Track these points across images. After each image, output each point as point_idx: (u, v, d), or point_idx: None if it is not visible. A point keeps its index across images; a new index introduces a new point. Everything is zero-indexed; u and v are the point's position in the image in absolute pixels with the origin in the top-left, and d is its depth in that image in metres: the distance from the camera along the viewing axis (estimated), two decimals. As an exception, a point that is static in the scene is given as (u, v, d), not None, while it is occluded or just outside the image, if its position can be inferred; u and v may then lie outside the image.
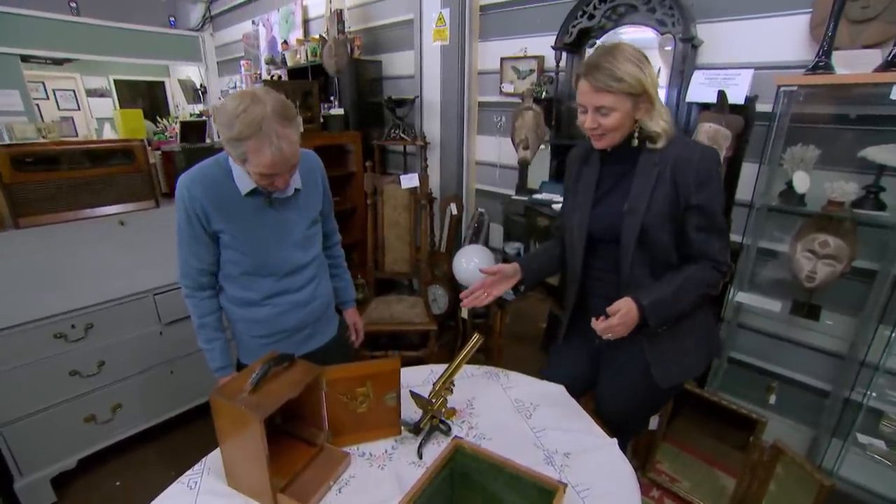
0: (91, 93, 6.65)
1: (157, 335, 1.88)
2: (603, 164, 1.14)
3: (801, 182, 1.45)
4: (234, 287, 1.20)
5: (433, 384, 1.10)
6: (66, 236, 1.75)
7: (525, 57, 2.38)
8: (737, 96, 1.58)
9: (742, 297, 1.68)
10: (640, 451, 1.95)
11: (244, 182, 1.08)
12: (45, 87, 6.34)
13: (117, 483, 1.80)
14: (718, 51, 1.76)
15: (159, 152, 2.13)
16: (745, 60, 1.68)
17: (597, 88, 1.00)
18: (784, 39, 1.60)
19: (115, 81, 6.73)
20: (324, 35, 3.08)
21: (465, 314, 2.53)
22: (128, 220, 1.90)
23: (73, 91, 6.55)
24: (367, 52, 3.16)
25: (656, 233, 1.06)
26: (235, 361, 1.31)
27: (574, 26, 1.99)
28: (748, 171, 1.68)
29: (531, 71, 2.38)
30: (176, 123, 3.43)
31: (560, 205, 1.49)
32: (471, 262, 2.44)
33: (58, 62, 5.69)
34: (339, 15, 2.83)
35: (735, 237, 1.72)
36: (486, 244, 2.80)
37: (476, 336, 1.08)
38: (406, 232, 2.52)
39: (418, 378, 1.33)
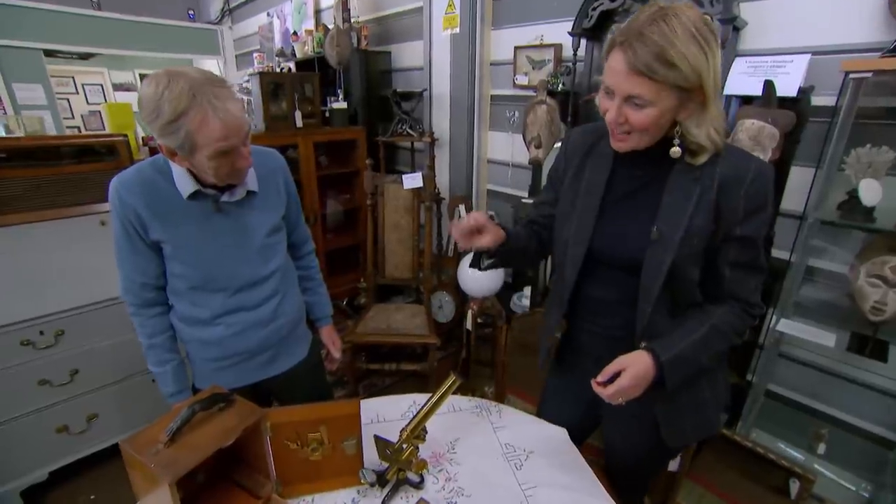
0: (118, 87, 6.77)
1: (137, 342, 1.76)
2: (618, 161, 0.88)
3: (871, 192, 1.18)
4: (182, 304, 1.05)
5: (400, 431, 0.92)
6: (41, 237, 1.65)
7: (541, 45, 2.16)
8: (788, 87, 1.33)
9: (786, 325, 1.42)
10: (657, 490, 1.73)
11: (185, 183, 0.93)
12: (74, 81, 6.50)
13: (92, 497, 1.71)
14: (766, 34, 1.50)
15: (148, 148, 2.03)
16: (800, 44, 1.42)
17: (634, 69, 0.69)
18: (852, 17, 1.32)
19: (140, 76, 6.82)
20: (328, 25, 2.92)
21: (469, 325, 2.34)
22: (109, 220, 1.80)
23: (101, 85, 6.69)
24: (377, 43, 3.00)
25: (687, 269, 0.81)
26: (191, 384, 1.17)
27: (594, 8, 1.76)
28: (798, 176, 1.43)
29: (547, 61, 2.15)
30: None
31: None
32: (477, 271, 2.25)
33: (83, 57, 5.79)
34: (344, 3, 2.66)
35: (780, 253, 1.47)
36: (496, 250, 2.59)
37: (452, 377, 0.90)
38: (408, 236, 2.35)
39: (397, 411, 1.17)
